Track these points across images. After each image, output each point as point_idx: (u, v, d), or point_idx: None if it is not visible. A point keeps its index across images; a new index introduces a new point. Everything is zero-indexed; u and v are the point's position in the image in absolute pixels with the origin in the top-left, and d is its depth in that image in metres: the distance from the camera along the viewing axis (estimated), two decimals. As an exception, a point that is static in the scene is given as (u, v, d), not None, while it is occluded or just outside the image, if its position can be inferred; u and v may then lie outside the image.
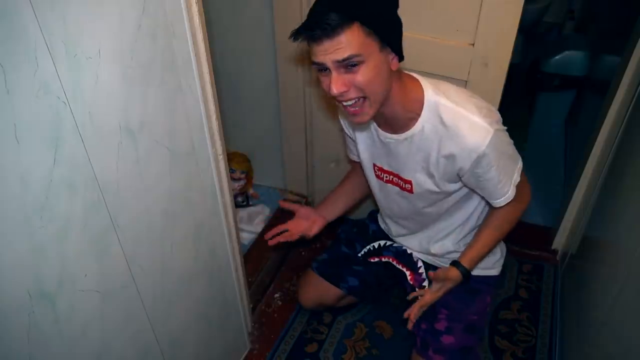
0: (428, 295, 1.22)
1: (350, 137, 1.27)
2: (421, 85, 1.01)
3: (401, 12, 0.93)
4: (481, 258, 1.20)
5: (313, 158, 1.81)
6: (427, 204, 1.17)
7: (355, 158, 1.33)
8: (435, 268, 1.33)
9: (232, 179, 1.81)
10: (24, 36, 0.56)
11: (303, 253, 1.80)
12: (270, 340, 1.49)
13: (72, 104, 0.64)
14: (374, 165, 1.20)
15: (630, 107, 1.29)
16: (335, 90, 0.89)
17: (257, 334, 1.51)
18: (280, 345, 1.48)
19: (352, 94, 0.91)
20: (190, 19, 0.83)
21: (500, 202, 1.08)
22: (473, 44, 1.25)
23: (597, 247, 1.29)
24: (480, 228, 1.20)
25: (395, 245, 1.40)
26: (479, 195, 1.15)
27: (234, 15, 1.59)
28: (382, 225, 1.44)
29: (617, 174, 1.26)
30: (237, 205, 1.85)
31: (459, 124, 0.97)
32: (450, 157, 1.01)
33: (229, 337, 1.33)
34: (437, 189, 1.11)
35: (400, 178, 1.15)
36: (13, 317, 0.63)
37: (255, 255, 1.67)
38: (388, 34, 0.90)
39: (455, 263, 1.20)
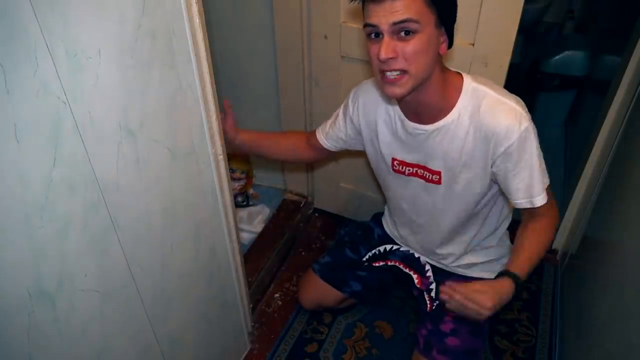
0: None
1: (350, 127, 1.21)
2: (461, 76, 1.02)
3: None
4: (533, 265, 1.06)
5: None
6: (450, 199, 1.13)
7: (329, 145, 1.28)
8: (443, 271, 1.33)
9: (232, 179, 1.81)
10: (24, 36, 0.56)
11: (303, 253, 1.80)
12: (270, 340, 1.49)
13: (72, 104, 0.64)
14: (393, 159, 1.16)
15: (630, 107, 1.29)
16: (384, 54, 0.88)
17: (257, 334, 1.51)
18: (280, 345, 1.48)
19: (398, 64, 0.90)
20: (190, 19, 0.83)
21: (522, 202, 1.03)
22: (473, 44, 1.26)
23: (597, 247, 1.29)
24: (527, 235, 1.09)
25: (402, 249, 1.40)
26: (500, 203, 1.14)
27: (234, 15, 1.59)
28: (388, 230, 1.43)
29: (617, 174, 1.26)
30: (237, 205, 1.85)
31: (498, 109, 0.97)
32: (486, 141, 1.00)
33: (229, 337, 1.33)
34: (467, 180, 1.07)
35: (426, 169, 1.12)
36: (13, 316, 0.63)
37: (255, 255, 1.67)
38: (447, 12, 0.91)
39: (506, 273, 1.03)
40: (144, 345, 0.94)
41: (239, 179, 1.86)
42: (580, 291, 1.35)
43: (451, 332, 1.24)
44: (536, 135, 1.00)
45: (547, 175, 1.04)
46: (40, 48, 0.57)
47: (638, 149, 1.13)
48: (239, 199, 1.87)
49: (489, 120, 0.98)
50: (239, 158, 1.89)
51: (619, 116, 1.37)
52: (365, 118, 1.18)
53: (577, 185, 1.58)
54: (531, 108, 1.03)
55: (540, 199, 1.03)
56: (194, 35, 0.85)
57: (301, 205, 1.91)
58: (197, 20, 0.85)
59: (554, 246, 1.75)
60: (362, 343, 1.48)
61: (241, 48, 1.65)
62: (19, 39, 0.55)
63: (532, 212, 1.06)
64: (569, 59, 2.28)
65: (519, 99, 1.02)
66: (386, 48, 0.88)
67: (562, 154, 2.29)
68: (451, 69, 1.04)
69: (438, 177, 1.11)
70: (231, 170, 1.79)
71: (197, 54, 0.88)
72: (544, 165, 1.03)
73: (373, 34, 0.90)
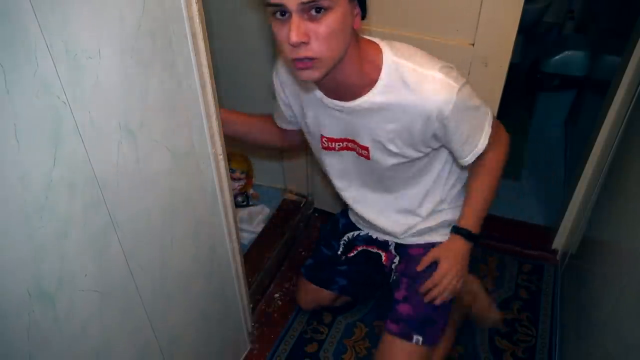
0: (440, 281, 1.14)
1: (285, 104, 1.17)
2: (380, 48, 0.95)
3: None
4: (482, 212, 1.15)
5: (313, 158, 1.81)
6: (386, 169, 1.10)
7: (285, 126, 1.24)
8: (403, 245, 1.30)
9: (232, 179, 1.81)
10: (24, 36, 0.56)
11: (303, 253, 1.80)
12: (270, 340, 1.49)
13: (72, 104, 0.64)
14: (322, 137, 1.11)
15: (630, 107, 1.29)
16: (295, 37, 0.77)
17: (257, 334, 1.51)
18: (280, 345, 1.48)
19: (310, 51, 0.81)
20: (190, 19, 0.83)
21: (469, 159, 1.05)
22: (473, 44, 1.26)
23: (597, 247, 1.29)
24: (469, 183, 1.16)
25: (362, 234, 1.39)
26: (445, 156, 1.12)
27: (234, 15, 1.59)
28: (352, 217, 1.42)
29: (617, 174, 1.26)
30: (237, 205, 1.85)
31: (424, 85, 0.93)
32: (416, 120, 0.96)
33: (228, 337, 1.33)
34: (397, 155, 1.05)
35: (355, 143, 1.08)
36: (13, 316, 0.63)
37: (255, 255, 1.67)
38: None
39: (454, 229, 1.16)
40: (144, 342, 0.95)
41: (239, 179, 1.86)
42: (580, 291, 1.35)
43: (403, 299, 1.20)
44: (467, 87, 0.97)
45: (485, 110, 1.03)
46: (40, 48, 0.57)
47: (638, 149, 1.13)
48: (239, 199, 1.87)
49: (416, 97, 0.93)
50: (239, 158, 1.89)
51: (619, 116, 1.37)
52: (292, 96, 1.13)
53: (577, 185, 1.58)
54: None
55: (482, 144, 1.03)
56: (194, 35, 0.85)
57: (301, 205, 1.91)
58: (197, 20, 0.85)
59: (554, 246, 1.75)
60: (362, 343, 1.48)
61: (241, 48, 1.65)
62: (19, 39, 0.55)
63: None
64: (569, 59, 2.28)
65: (441, 62, 0.97)
66: (297, 31, 0.77)
67: (562, 154, 2.29)
68: (367, 37, 0.96)
69: (366, 152, 1.08)
70: (231, 170, 1.79)
71: (197, 54, 0.88)
72: (482, 107, 1.02)
73: (278, 13, 0.79)
